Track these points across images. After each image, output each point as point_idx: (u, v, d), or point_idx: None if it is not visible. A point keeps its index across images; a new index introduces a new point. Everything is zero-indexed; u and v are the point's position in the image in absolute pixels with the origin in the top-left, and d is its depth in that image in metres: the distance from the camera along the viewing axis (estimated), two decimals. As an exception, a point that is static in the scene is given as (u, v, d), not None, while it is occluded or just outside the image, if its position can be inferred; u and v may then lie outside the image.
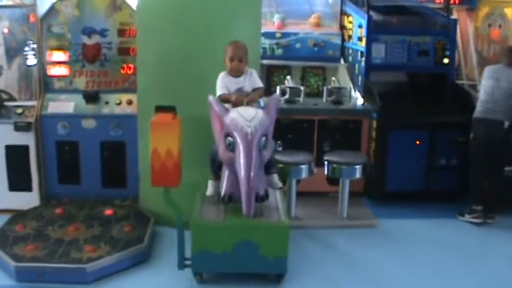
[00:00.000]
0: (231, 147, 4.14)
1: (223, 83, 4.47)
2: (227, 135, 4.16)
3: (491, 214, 5.88)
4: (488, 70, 5.87)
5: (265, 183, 4.51)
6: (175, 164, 4.20)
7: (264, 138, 4.16)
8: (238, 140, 4.08)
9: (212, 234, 4.33)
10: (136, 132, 5.60)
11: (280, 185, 4.78)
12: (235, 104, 4.31)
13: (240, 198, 4.16)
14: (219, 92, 4.44)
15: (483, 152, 5.72)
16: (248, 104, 4.32)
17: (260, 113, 4.21)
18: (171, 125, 4.22)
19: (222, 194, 4.45)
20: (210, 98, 4.31)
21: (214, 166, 4.62)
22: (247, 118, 4.11)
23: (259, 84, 4.58)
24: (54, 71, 5.88)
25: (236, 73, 4.51)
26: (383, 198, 6.22)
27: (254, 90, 4.52)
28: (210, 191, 4.70)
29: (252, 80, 4.55)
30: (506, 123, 5.59)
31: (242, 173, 4.06)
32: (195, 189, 4.78)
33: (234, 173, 4.22)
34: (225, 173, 4.44)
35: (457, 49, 6.97)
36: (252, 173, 4.04)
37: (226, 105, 4.36)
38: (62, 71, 5.89)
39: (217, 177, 4.66)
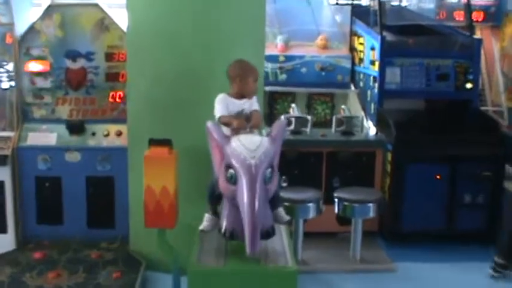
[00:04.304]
0: (233, 180, 3.79)
1: (224, 104, 4.16)
2: (228, 166, 3.82)
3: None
4: None
5: (271, 219, 4.16)
6: (171, 204, 4.13)
7: (269, 170, 3.82)
8: (241, 173, 3.72)
9: (211, 281, 3.99)
10: (126, 167, 5.41)
11: (287, 218, 4.45)
12: (237, 130, 3.99)
13: (243, 235, 3.78)
14: (219, 114, 4.12)
15: None
16: (250, 130, 4.03)
17: (265, 141, 3.86)
18: (167, 160, 4.13)
19: (223, 229, 4.09)
20: (209, 124, 3.98)
21: (212, 199, 4.28)
22: (251, 148, 3.77)
23: (256, 107, 4.27)
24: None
25: (249, 95, 4.22)
26: (400, 239, 5.97)
27: (251, 113, 4.23)
28: (204, 225, 4.34)
29: (251, 102, 4.26)
30: None
31: (245, 209, 3.71)
32: (192, 231, 4.45)
33: (235, 207, 3.89)
34: (226, 207, 4.11)
35: (481, 72, 6.78)
36: (256, 209, 3.70)
37: (226, 130, 4.06)
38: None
39: (215, 213, 4.34)
